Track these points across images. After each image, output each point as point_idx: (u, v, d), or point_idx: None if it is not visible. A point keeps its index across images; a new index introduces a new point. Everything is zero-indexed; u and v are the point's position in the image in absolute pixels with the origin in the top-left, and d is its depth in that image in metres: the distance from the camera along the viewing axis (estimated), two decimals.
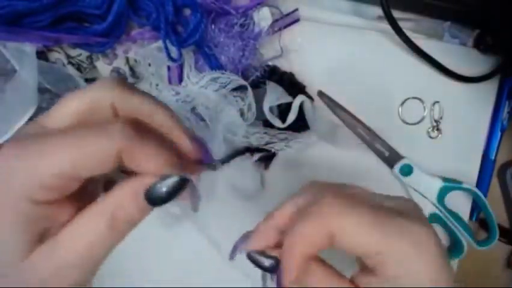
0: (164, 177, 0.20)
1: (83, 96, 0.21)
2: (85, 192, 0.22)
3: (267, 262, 0.24)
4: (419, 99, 0.44)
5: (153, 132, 0.22)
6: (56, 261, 0.20)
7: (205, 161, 0.24)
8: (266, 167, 0.42)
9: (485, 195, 0.45)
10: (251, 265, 0.25)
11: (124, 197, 0.20)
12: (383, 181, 0.44)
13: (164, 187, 0.20)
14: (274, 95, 0.39)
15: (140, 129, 0.20)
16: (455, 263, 0.43)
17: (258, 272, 0.25)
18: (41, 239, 0.20)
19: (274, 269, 0.24)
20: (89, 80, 0.40)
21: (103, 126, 0.20)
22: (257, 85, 0.41)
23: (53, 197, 0.20)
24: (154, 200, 0.20)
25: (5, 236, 0.19)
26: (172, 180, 0.20)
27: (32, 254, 0.20)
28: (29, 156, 0.19)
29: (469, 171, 0.44)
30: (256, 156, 0.41)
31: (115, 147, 0.19)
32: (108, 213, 0.20)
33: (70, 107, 0.21)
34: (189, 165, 0.23)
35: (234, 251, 0.26)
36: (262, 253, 0.25)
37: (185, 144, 0.23)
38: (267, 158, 0.42)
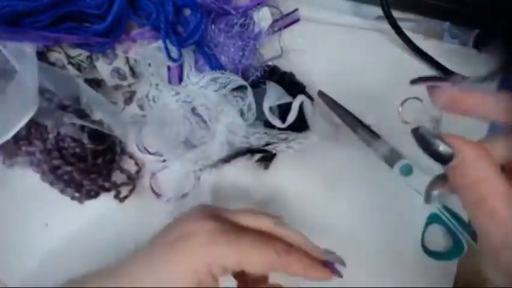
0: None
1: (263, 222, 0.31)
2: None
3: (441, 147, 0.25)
4: (419, 99, 0.44)
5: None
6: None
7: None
8: (266, 167, 0.42)
9: None
10: None
11: (298, 263, 0.29)
12: (383, 181, 0.44)
13: None
14: (274, 95, 0.39)
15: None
16: (455, 263, 0.43)
17: None
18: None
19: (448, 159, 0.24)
20: (89, 80, 0.40)
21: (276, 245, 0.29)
22: (257, 85, 0.41)
23: (223, 275, 0.28)
24: None
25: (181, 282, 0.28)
26: None
27: None
28: (225, 243, 0.28)
29: None
30: (257, 156, 0.41)
31: (276, 262, 0.28)
32: (278, 253, 0.29)
33: (259, 222, 0.31)
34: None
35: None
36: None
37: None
38: (267, 158, 0.42)
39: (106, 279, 0.30)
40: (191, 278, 0.27)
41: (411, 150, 0.44)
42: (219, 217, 0.30)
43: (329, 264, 0.31)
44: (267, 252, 0.28)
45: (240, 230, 0.30)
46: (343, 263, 0.31)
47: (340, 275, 0.31)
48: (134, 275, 0.29)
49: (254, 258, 0.28)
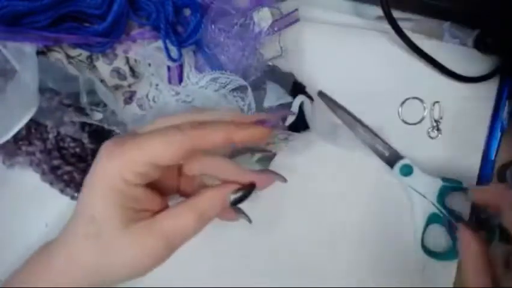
0: (241, 189, 0.29)
1: (169, 121, 0.28)
2: (164, 190, 0.30)
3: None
4: (419, 99, 0.45)
5: None
6: (152, 238, 0.26)
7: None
8: (266, 167, 0.42)
9: None
10: None
11: (216, 199, 0.28)
12: (382, 181, 0.44)
13: (240, 194, 0.29)
14: (274, 95, 0.39)
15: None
16: (455, 263, 0.43)
17: None
18: (132, 219, 0.26)
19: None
20: (89, 80, 0.40)
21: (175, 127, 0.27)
22: (257, 85, 0.41)
23: (141, 181, 0.26)
24: (232, 203, 0.29)
25: (105, 206, 0.26)
26: (246, 190, 0.29)
27: (132, 227, 0.26)
28: (125, 147, 0.26)
29: (469, 171, 0.44)
30: (256, 156, 0.41)
31: (186, 138, 0.26)
32: (199, 208, 0.27)
33: (162, 124, 0.28)
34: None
35: None
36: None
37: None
38: (267, 158, 0.42)
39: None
40: (112, 196, 0.26)
41: (411, 150, 0.44)
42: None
43: (260, 122, 0.29)
44: (168, 134, 0.26)
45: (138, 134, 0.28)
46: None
47: (271, 127, 0.29)
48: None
49: (157, 147, 0.26)
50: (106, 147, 0.27)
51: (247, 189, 0.29)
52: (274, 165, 0.43)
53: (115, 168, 0.26)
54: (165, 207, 0.29)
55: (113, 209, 0.26)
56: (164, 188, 0.31)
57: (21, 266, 0.29)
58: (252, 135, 0.27)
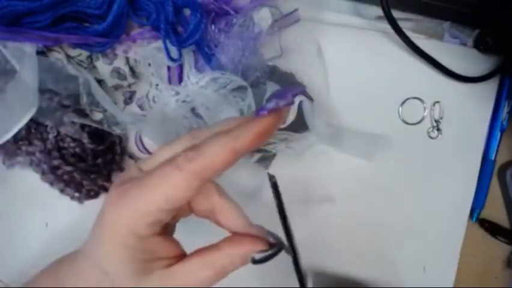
0: (267, 247, 0.26)
1: (173, 145, 0.27)
2: (167, 229, 0.28)
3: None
4: (419, 99, 0.45)
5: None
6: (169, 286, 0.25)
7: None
8: (266, 166, 0.42)
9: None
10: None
11: (235, 257, 0.26)
12: (381, 181, 0.44)
13: (266, 255, 0.26)
14: None
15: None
16: (455, 264, 0.43)
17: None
18: (145, 270, 0.25)
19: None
20: (89, 80, 0.40)
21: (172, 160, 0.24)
22: (257, 85, 0.41)
23: (154, 231, 0.25)
24: (256, 262, 0.26)
25: (117, 262, 0.24)
26: (273, 251, 0.26)
27: (147, 279, 0.25)
28: (132, 198, 0.24)
29: (469, 171, 0.44)
30: (256, 156, 0.41)
31: (189, 175, 0.23)
32: (219, 265, 0.26)
33: (162, 156, 0.26)
34: None
35: None
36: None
37: None
38: (267, 158, 0.42)
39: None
40: (124, 252, 0.24)
41: (411, 150, 0.44)
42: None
43: (259, 112, 0.25)
44: (170, 176, 0.23)
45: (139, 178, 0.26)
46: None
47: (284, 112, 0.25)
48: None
49: (163, 193, 0.23)
50: (110, 198, 0.25)
51: (275, 251, 0.26)
52: (274, 166, 0.43)
53: (124, 222, 0.24)
54: (181, 254, 0.27)
55: (125, 264, 0.24)
56: (178, 216, 0.29)
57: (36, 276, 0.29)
58: (256, 133, 0.24)
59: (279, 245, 0.26)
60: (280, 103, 0.24)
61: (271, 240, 0.26)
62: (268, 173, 0.26)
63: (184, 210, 0.29)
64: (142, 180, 0.25)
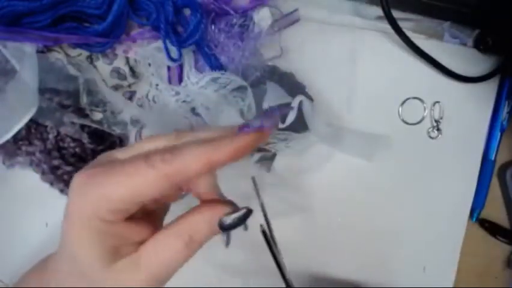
0: (234, 210, 0.25)
1: (156, 140, 0.26)
2: (152, 214, 0.27)
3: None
4: (419, 99, 0.45)
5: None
6: (138, 273, 0.24)
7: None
8: (268, 169, 0.42)
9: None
10: None
11: (201, 222, 0.25)
12: (381, 181, 0.44)
13: (234, 219, 0.25)
14: (274, 95, 0.39)
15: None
16: (455, 264, 0.43)
17: None
18: (115, 255, 0.24)
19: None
20: (89, 80, 0.40)
21: (148, 158, 0.23)
22: (257, 85, 0.41)
23: (118, 218, 0.23)
24: (225, 228, 0.25)
25: (84, 247, 0.23)
26: (241, 213, 0.25)
27: (115, 265, 0.24)
28: (97, 184, 0.23)
29: (469, 171, 0.44)
30: (256, 156, 0.41)
31: (160, 175, 0.23)
32: (186, 234, 0.24)
33: (142, 148, 0.26)
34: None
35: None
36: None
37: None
38: (267, 158, 0.42)
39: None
40: (88, 236, 0.23)
41: (411, 150, 0.44)
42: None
43: (243, 129, 0.24)
44: (140, 170, 0.23)
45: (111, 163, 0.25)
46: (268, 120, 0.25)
47: (268, 129, 0.25)
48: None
49: (130, 185, 0.23)
50: (77, 179, 0.24)
51: (243, 214, 0.25)
52: (274, 166, 0.43)
53: (88, 206, 0.23)
54: (153, 234, 0.26)
55: (91, 249, 0.23)
56: (163, 202, 0.28)
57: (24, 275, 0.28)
58: (234, 149, 0.23)
59: (247, 208, 0.25)
60: (265, 123, 0.24)
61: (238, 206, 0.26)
62: (261, 225, 0.27)
63: (171, 196, 0.28)
64: (112, 167, 0.24)
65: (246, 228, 0.27)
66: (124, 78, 0.40)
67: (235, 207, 0.25)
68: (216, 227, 0.25)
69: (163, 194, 0.24)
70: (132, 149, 0.26)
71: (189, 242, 0.24)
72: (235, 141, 0.23)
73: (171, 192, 0.27)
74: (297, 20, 0.43)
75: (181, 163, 0.23)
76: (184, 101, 0.40)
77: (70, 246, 0.24)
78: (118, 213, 0.23)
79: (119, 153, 0.26)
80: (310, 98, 0.42)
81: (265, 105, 0.39)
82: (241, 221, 0.25)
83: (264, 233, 0.28)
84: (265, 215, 0.27)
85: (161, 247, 0.24)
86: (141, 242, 0.25)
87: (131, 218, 0.24)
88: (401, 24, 0.41)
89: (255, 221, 0.27)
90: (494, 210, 0.45)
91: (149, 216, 0.27)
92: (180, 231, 0.25)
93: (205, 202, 0.26)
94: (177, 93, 0.40)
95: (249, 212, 0.25)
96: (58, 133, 0.38)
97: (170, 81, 0.40)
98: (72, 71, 0.39)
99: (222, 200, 0.27)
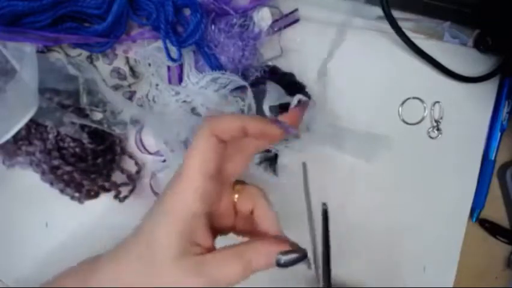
0: (292, 251, 0.27)
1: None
2: (220, 228, 0.31)
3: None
4: (419, 99, 0.45)
5: None
6: (198, 278, 0.26)
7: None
8: (275, 172, 0.42)
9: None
10: None
11: (261, 253, 0.28)
12: (380, 181, 0.44)
13: (290, 259, 0.27)
14: (274, 95, 0.39)
15: None
16: (455, 264, 0.43)
17: None
18: (186, 250, 0.27)
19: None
20: (89, 80, 0.40)
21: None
22: (257, 85, 0.41)
23: (204, 207, 0.28)
24: (280, 265, 0.27)
25: (168, 235, 0.27)
26: (296, 256, 0.27)
27: (184, 259, 0.26)
28: (176, 181, 0.28)
29: (469, 171, 0.44)
30: (257, 157, 0.41)
31: (207, 129, 0.28)
32: (246, 259, 0.27)
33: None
34: None
35: None
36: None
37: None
38: (269, 159, 0.42)
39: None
40: (178, 226, 0.27)
41: (411, 150, 0.44)
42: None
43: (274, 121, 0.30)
44: (191, 143, 0.28)
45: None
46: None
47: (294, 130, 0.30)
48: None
49: (194, 153, 0.28)
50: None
51: (298, 257, 0.27)
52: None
53: (182, 201, 0.27)
54: (212, 247, 0.29)
55: (175, 238, 0.26)
56: (220, 227, 0.31)
57: (60, 275, 0.30)
58: (265, 129, 0.28)
59: (304, 251, 0.28)
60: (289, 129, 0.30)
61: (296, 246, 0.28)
62: (323, 203, 0.30)
63: (227, 219, 0.31)
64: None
65: (309, 267, 0.29)
66: (124, 78, 0.40)
67: (293, 247, 0.28)
68: (272, 261, 0.27)
69: (219, 153, 0.28)
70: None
71: (247, 267, 0.27)
72: (269, 125, 0.29)
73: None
74: (297, 20, 0.43)
75: (221, 118, 0.28)
76: (184, 101, 0.40)
77: (148, 234, 0.27)
78: (204, 199, 0.27)
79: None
80: (310, 98, 0.42)
81: (266, 105, 0.39)
82: (295, 262, 0.27)
83: (324, 211, 0.30)
84: (308, 203, 0.30)
85: (224, 262, 0.27)
86: (202, 247, 0.28)
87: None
88: (401, 24, 0.41)
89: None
90: (494, 210, 0.45)
91: (216, 230, 0.30)
92: (243, 255, 0.27)
93: (267, 237, 0.29)
94: (177, 93, 0.40)
95: (304, 256, 0.28)
96: (58, 133, 0.38)
97: (170, 81, 0.40)
98: (72, 71, 0.39)
99: (283, 238, 0.29)
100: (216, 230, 0.30)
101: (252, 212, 0.31)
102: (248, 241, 0.29)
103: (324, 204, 0.30)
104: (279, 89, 0.40)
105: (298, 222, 0.43)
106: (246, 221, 0.31)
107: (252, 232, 0.31)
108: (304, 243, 0.29)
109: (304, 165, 0.31)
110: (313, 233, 0.30)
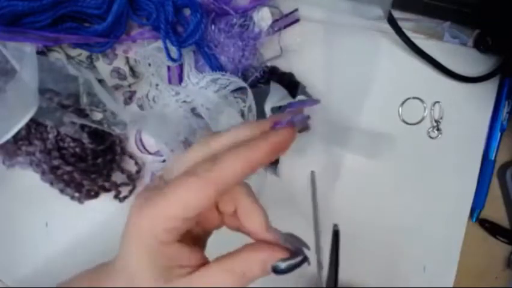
0: (290, 256, 0.25)
1: (192, 156, 0.26)
2: (198, 241, 0.29)
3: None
4: (419, 99, 0.45)
5: None
6: None
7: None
8: (276, 173, 0.42)
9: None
10: None
11: (255, 262, 0.26)
12: (380, 182, 0.44)
13: (289, 265, 0.25)
14: (276, 95, 0.39)
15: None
16: (455, 264, 0.43)
17: None
18: (168, 276, 0.25)
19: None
20: (89, 80, 0.40)
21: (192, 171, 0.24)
22: (257, 85, 0.41)
23: (172, 237, 0.25)
24: (278, 272, 0.25)
25: (142, 265, 0.25)
26: (296, 261, 0.25)
27: (169, 285, 0.25)
28: (151, 205, 0.25)
29: (469, 171, 0.44)
30: None
31: (205, 183, 0.24)
32: (239, 271, 0.25)
33: (183, 165, 0.26)
34: None
35: None
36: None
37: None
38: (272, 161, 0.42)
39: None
40: (146, 256, 0.25)
41: (411, 150, 0.44)
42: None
43: (275, 125, 0.25)
44: (188, 183, 0.24)
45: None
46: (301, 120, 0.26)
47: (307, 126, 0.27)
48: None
49: (182, 200, 0.24)
50: (136, 201, 0.26)
51: (298, 262, 0.25)
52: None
53: (146, 227, 0.25)
54: (205, 263, 0.27)
55: (148, 268, 0.25)
56: (209, 227, 0.29)
57: (75, 276, 0.30)
58: (272, 145, 0.24)
59: (301, 254, 0.26)
60: (295, 119, 0.25)
61: (291, 248, 0.26)
62: (334, 224, 0.28)
63: (213, 220, 0.29)
64: (163, 188, 0.25)
65: (309, 264, 0.27)
66: (124, 78, 0.40)
67: (291, 252, 0.26)
68: (269, 269, 0.25)
69: (210, 204, 0.24)
70: (173, 169, 0.27)
71: (241, 278, 0.25)
72: (270, 138, 0.24)
73: (216, 200, 0.27)
74: (297, 20, 0.43)
75: (223, 168, 0.24)
76: (184, 101, 0.40)
77: (127, 262, 0.26)
78: (173, 232, 0.25)
79: (164, 175, 0.27)
80: (311, 98, 0.42)
81: (267, 106, 0.39)
82: (295, 267, 0.25)
83: (335, 232, 0.28)
84: (315, 210, 0.28)
85: (214, 279, 0.26)
86: (190, 267, 0.26)
87: (181, 242, 0.26)
88: (401, 24, 0.41)
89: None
90: (494, 210, 0.45)
91: (196, 242, 0.28)
92: (235, 267, 0.26)
93: (260, 241, 0.27)
94: (177, 93, 0.40)
95: (304, 260, 0.26)
96: (58, 133, 0.38)
97: (170, 81, 0.40)
98: (72, 71, 0.39)
99: (275, 242, 0.27)
100: (206, 233, 0.29)
101: (235, 211, 0.28)
102: (239, 250, 0.26)
103: (335, 225, 0.28)
104: (282, 90, 0.40)
105: (301, 222, 0.43)
106: (235, 217, 0.29)
107: (242, 227, 0.28)
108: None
109: (312, 173, 0.30)
110: (318, 235, 0.29)
